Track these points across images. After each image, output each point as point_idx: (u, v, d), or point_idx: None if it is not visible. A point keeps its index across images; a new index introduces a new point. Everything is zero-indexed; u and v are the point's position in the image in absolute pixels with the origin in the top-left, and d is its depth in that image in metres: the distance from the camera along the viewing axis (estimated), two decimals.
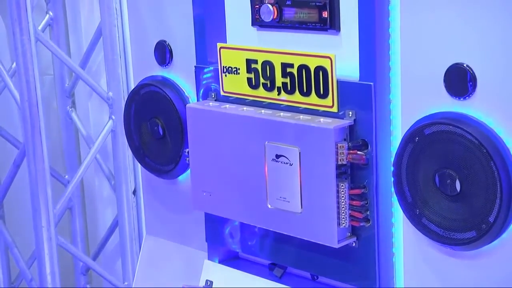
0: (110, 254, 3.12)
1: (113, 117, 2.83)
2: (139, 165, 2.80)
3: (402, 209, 1.92)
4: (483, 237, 1.78)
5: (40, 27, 2.81)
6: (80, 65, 2.89)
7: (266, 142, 2.03)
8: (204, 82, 2.23)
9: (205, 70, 2.22)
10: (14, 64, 2.79)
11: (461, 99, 1.79)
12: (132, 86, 2.67)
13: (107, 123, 2.85)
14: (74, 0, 3.00)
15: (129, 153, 2.84)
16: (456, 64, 1.79)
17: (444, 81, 1.81)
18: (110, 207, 3.11)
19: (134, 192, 2.91)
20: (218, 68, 2.16)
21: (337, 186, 1.94)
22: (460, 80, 1.79)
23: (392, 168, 1.92)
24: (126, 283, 2.96)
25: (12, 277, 3.08)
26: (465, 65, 1.77)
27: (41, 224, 2.68)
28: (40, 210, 2.67)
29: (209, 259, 2.36)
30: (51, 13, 2.96)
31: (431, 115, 1.84)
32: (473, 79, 1.77)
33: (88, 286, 3.18)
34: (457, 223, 1.83)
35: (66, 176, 3.14)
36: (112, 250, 3.10)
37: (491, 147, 1.74)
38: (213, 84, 2.21)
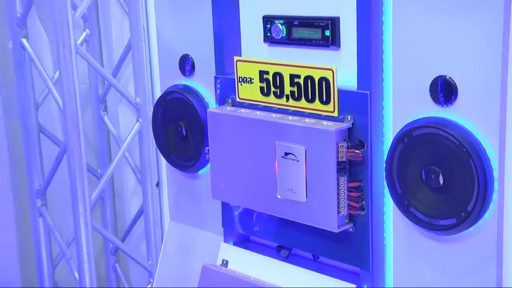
0: (136, 238, 3.11)
1: (140, 120, 2.82)
2: (162, 161, 2.82)
3: (392, 199, 1.92)
4: (462, 223, 1.79)
5: (78, 42, 2.80)
6: (112, 74, 2.88)
7: (276, 142, 2.02)
8: (222, 90, 2.22)
9: (223, 79, 2.21)
10: (57, 73, 2.77)
11: (444, 106, 1.79)
12: (157, 93, 2.66)
13: (134, 125, 2.83)
14: (107, 19, 2.98)
15: (153, 150, 2.84)
16: (440, 76, 1.78)
17: (430, 90, 1.80)
18: (136, 197, 3.08)
19: (157, 185, 2.89)
20: (234, 78, 2.15)
21: (337, 179, 1.93)
22: (443, 90, 1.78)
23: (384, 165, 1.92)
24: (149, 262, 2.94)
25: (53, 256, 3.08)
26: (447, 77, 1.77)
27: (78, 211, 2.67)
28: (78, 199, 2.66)
29: (224, 241, 2.35)
30: (87, 31, 2.96)
31: (419, 120, 1.83)
32: (454, 89, 1.76)
33: (116, 264, 3.16)
34: (440, 212, 1.83)
35: (99, 170, 3.14)
36: (138, 234, 3.09)
37: (470, 147, 1.74)
38: (230, 91, 2.19)
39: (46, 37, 3.06)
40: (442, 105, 1.79)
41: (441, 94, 1.79)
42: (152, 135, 2.73)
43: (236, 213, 2.29)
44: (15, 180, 3.01)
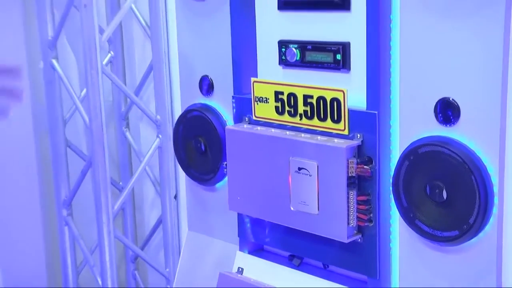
0: (154, 246, 3.10)
1: (160, 136, 2.81)
2: (179, 174, 2.79)
3: (399, 212, 1.91)
4: (464, 235, 1.78)
5: (104, 63, 2.81)
6: (134, 93, 2.89)
7: (290, 157, 2.02)
8: (239, 108, 2.21)
9: (241, 99, 2.21)
10: (84, 91, 2.79)
11: (448, 126, 1.79)
12: (177, 111, 2.67)
13: (155, 141, 2.83)
14: (130, 42, 3.00)
15: (172, 165, 2.83)
16: (444, 98, 1.78)
17: (434, 111, 1.80)
18: (155, 208, 3.08)
19: (175, 197, 2.89)
20: (251, 98, 2.15)
21: (347, 193, 1.93)
22: (446, 111, 1.79)
23: (391, 180, 1.91)
24: (167, 269, 2.93)
25: (77, 262, 3.08)
26: (451, 98, 1.77)
27: (102, 220, 2.67)
28: (101, 209, 2.66)
29: (240, 250, 2.34)
30: (112, 53, 2.97)
31: (424, 138, 1.83)
32: (457, 110, 1.77)
33: (135, 271, 3.16)
34: (444, 224, 1.82)
35: (120, 183, 3.14)
36: (156, 243, 3.08)
37: (471, 164, 1.74)
38: (246, 110, 2.19)
39: (74, 58, 3.08)
40: (446, 125, 1.80)
41: (445, 115, 1.79)
42: (172, 150, 2.75)
43: (251, 224, 2.29)
44: (43, 191, 3.02)
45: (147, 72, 2.87)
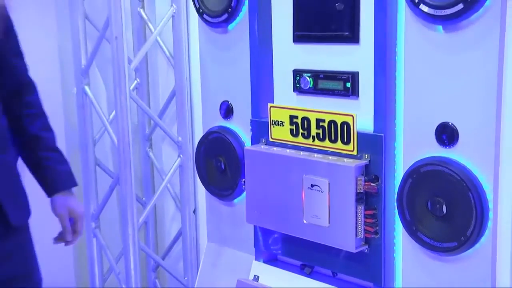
0: (174, 257, 3.12)
1: (181, 156, 2.85)
2: (199, 190, 2.84)
3: (402, 225, 1.93)
4: (462, 246, 1.80)
5: (131, 88, 2.84)
6: (158, 116, 2.93)
7: (304, 175, 2.03)
8: (256, 131, 2.22)
9: (258, 122, 2.23)
10: (112, 114, 2.83)
11: (447, 147, 1.81)
12: (197, 133, 2.71)
13: (176, 160, 2.86)
14: (155, 70, 3.04)
15: (191, 182, 2.86)
16: (444, 122, 1.81)
17: (435, 134, 1.82)
18: (175, 222, 3.10)
19: (194, 211, 2.92)
20: (267, 121, 2.16)
21: (356, 208, 1.94)
22: (446, 134, 1.81)
23: (395, 196, 1.93)
24: (186, 278, 2.96)
25: (104, 270, 3.10)
26: (450, 123, 1.80)
27: (128, 232, 2.70)
28: (127, 222, 2.69)
29: (256, 260, 2.34)
30: (138, 80, 3.02)
31: (425, 158, 1.85)
32: (456, 133, 1.79)
33: (156, 280, 3.18)
34: (443, 236, 1.84)
35: (144, 198, 3.16)
36: (176, 254, 3.10)
37: (469, 182, 1.77)
38: (263, 133, 2.20)
39: (103, 85, 3.12)
40: (445, 147, 1.82)
41: (445, 137, 1.82)
42: (192, 168, 2.79)
43: (266, 235, 2.29)
44: None
45: (169, 97, 2.91)
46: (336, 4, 1.98)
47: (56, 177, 2.10)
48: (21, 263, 1.95)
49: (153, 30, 2.85)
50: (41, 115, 2.12)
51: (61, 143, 2.94)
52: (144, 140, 3.11)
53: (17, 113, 2.05)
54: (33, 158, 2.10)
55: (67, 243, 2.15)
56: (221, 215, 2.50)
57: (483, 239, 1.80)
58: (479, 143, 1.77)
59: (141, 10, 2.93)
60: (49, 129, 2.14)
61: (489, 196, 1.77)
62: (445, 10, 1.74)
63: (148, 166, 3.14)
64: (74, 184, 2.15)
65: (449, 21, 1.75)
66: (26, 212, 2.01)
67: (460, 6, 1.71)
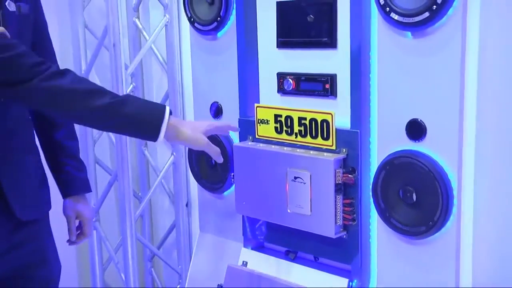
0: (168, 247, 3.14)
1: (174, 153, 2.87)
2: (191, 185, 2.87)
3: (377, 212, 1.97)
4: (430, 230, 1.85)
5: (127, 92, 2.87)
6: None
7: (288, 168, 2.06)
8: (244, 129, 2.25)
9: (246, 121, 2.25)
10: None
11: (417, 141, 1.85)
12: None
13: (169, 157, 2.89)
14: (149, 75, 3.06)
15: (184, 178, 2.88)
16: (413, 119, 1.85)
17: (406, 129, 1.86)
18: (169, 215, 3.12)
19: (187, 205, 2.95)
20: (254, 120, 2.20)
21: (335, 197, 1.98)
22: (416, 129, 1.85)
23: (371, 186, 1.96)
24: (180, 266, 2.98)
25: (104, 260, 3.11)
26: (419, 120, 1.84)
27: (126, 224, 2.73)
28: (125, 215, 2.72)
29: (244, 247, 2.37)
30: (134, 84, 3.03)
31: (397, 152, 1.89)
32: (424, 129, 1.83)
33: (152, 268, 3.19)
34: (413, 221, 1.88)
35: (140, 194, 3.17)
36: (170, 244, 3.12)
37: (435, 173, 1.81)
38: (250, 130, 2.23)
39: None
40: (415, 141, 1.86)
41: (414, 132, 1.86)
42: (184, 165, 2.82)
43: (255, 224, 2.31)
44: None
45: (163, 100, 2.92)
46: (308, 17, 2.04)
47: (71, 182, 2.13)
48: (36, 251, 1.97)
49: (147, 38, 2.87)
50: (67, 124, 2.13)
51: None
52: (140, 140, 3.09)
53: (45, 119, 2.08)
54: (54, 163, 2.13)
55: (71, 243, 2.17)
56: (212, 207, 2.52)
57: (448, 224, 1.84)
58: (445, 138, 1.81)
59: (137, 20, 2.96)
60: (73, 138, 2.16)
61: (454, 184, 1.82)
62: (413, 18, 1.80)
63: (143, 164, 3.16)
64: (88, 190, 2.18)
65: (417, 28, 1.81)
66: (41, 208, 2.02)
67: (426, 14, 1.77)
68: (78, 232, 2.17)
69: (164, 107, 1.78)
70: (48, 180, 2.07)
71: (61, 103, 1.68)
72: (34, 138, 2.04)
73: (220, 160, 1.94)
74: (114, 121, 1.73)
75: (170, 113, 1.78)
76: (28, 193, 1.93)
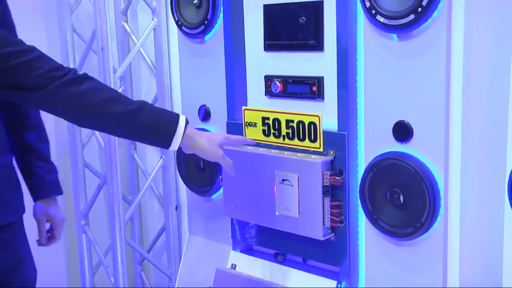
0: (158, 250, 3.13)
1: (163, 157, 2.85)
2: (180, 188, 2.84)
3: (365, 214, 1.97)
4: (418, 231, 1.86)
5: None
6: None
7: (275, 171, 2.06)
8: (232, 132, 2.23)
9: (233, 124, 2.25)
10: None
11: (403, 143, 1.86)
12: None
13: (159, 161, 2.87)
14: (138, 79, 3.05)
15: (173, 181, 2.87)
16: (400, 120, 1.86)
17: (393, 131, 1.87)
18: (158, 218, 3.11)
19: (176, 208, 2.93)
20: (242, 123, 2.20)
21: (323, 199, 1.98)
22: (403, 131, 1.86)
23: (358, 188, 1.97)
24: (169, 269, 2.97)
25: (93, 264, 3.09)
26: (406, 121, 1.85)
27: (115, 228, 2.71)
28: (114, 219, 2.70)
29: (233, 250, 2.36)
30: (123, 87, 3.01)
31: (384, 153, 1.90)
32: (411, 131, 1.84)
33: (142, 272, 3.18)
34: (401, 223, 1.89)
35: (129, 197, 3.16)
36: (160, 247, 3.11)
37: (422, 174, 1.82)
38: (238, 133, 2.21)
39: None
40: (402, 143, 1.87)
41: (401, 134, 1.86)
42: (173, 168, 2.80)
43: (243, 227, 2.31)
44: (64, 204, 3.01)
45: (152, 103, 2.85)
46: (300, 18, 2.04)
47: (41, 185, 2.11)
48: (11, 256, 1.95)
49: (136, 41, 2.87)
50: (39, 125, 2.12)
51: (51, 147, 2.96)
52: (129, 143, 3.10)
53: (16, 121, 2.06)
54: (24, 164, 2.11)
55: (40, 244, 2.15)
56: (201, 209, 2.52)
57: (435, 225, 1.85)
58: (431, 139, 1.82)
59: (125, 24, 2.95)
60: (44, 140, 2.15)
61: (441, 186, 1.83)
62: (399, 20, 1.81)
63: (133, 167, 3.15)
64: (58, 193, 2.16)
65: (402, 30, 1.82)
66: (15, 211, 2.00)
67: (412, 16, 1.78)
68: (48, 235, 2.15)
69: (178, 116, 1.81)
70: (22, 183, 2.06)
71: (76, 110, 1.70)
72: (6, 140, 2.01)
73: (232, 173, 1.95)
74: (128, 129, 1.76)
75: (187, 122, 1.81)
76: (0, 197, 1.91)
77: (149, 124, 1.75)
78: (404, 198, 1.88)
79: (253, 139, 2.11)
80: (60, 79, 1.66)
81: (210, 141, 1.88)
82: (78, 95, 1.68)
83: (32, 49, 1.69)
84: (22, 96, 1.67)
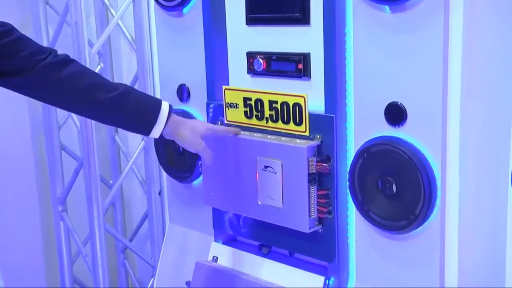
0: (141, 238, 3.08)
1: (145, 139, 2.79)
2: (163, 173, 2.72)
3: (354, 205, 1.91)
4: (412, 224, 1.79)
5: None
6: None
7: (257, 157, 2.00)
8: (213, 113, 2.18)
9: (214, 105, 2.19)
10: None
11: (396, 127, 1.79)
12: None
13: (140, 143, 2.82)
14: (118, 54, 2.98)
15: (156, 164, 2.78)
16: (393, 102, 1.78)
17: (385, 114, 1.80)
18: (141, 204, 3.05)
19: (160, 193, 2.87)
20: (223, 104, 2.12)
21: (309, 188, 1.91)
22: (395, 114, 1.78)
23: (347, 176, 1.90)
24: (153, 258, 2.92)
25: (72, 253, 3.04)
26: (399, 103, 1.77)
27: (93, 214, 2.65)
28: (92, 204, 2.65)
29: (215, 241, 2.31)
30: (102, 64, 2.94)
31: (375, 138, 1.83)
32: (404, 113, 1.76)
33: (125, 261, 3.14)
34: (393, 215, 1.82)
35: (111, 181, 3.10)
36: (143, 235, 3.06)
37: (417, 161, 1.75)
38: (219, 115, 2.16)
39: None
40: (395, 126, 1.79)
41: (394, 117, 1.79)
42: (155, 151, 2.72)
43: (225, 217, 2.25)
44: (40, 189, 2.98)
45: (133, 81, 2.83)
46: None
47: None
48: None
49: (114, 14, 2.77)
50: None
51: (25, 128, 2.88)
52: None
53: None
54: None
55: None
56: (182, 197, 2.46)
57: (431, 217, 1.78)
58: (427, 122, 1.74)
59: None
60: None
61: (437, 174, 1.75)
62: None
63: (114, 150, 3.09)
64: None
65: (396, 1, 1.71)
66: None
67: None
68: None
69: (161, 102, 1.87)
70: None
71: (58, 94, 1.73)
72: None
73: (209, 163, 2.01)
74: (110, 118, 1.84)
75: (171, 109, 1.88)
76: None
77: (131, 112, 1.81)
78: (397, 187, 1.80)
79: (238, 129, 2.09)
80: (42, 61, 1.67)
81: (192, 131, 1.93)
82: (61, 80, 1.70)
83: (10, 29, 1.65)
84: (4, 80, 1.66)
